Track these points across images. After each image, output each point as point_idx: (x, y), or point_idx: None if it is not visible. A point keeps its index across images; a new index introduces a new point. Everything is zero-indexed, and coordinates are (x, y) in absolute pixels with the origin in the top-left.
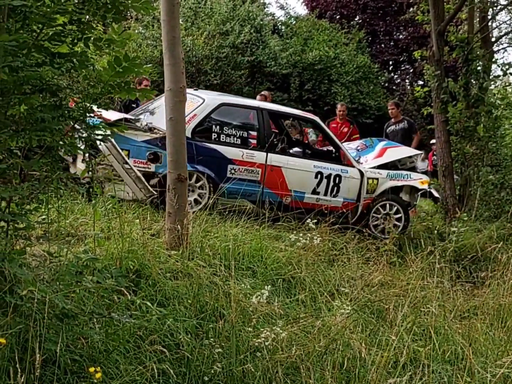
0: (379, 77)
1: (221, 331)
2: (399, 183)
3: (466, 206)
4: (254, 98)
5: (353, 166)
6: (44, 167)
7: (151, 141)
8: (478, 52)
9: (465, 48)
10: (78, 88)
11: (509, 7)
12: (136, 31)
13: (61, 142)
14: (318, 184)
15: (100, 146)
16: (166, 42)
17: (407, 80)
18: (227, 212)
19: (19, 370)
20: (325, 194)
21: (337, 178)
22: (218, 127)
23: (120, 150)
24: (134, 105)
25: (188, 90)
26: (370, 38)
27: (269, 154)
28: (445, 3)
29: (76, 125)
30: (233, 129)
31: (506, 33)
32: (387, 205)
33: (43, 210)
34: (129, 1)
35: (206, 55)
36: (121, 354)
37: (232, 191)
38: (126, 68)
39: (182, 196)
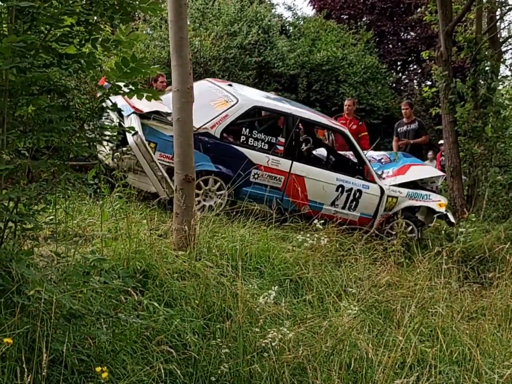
0: (387, 78)
1: (228, 332)
2: (417, 203)
3: (474, 206)
4: None
5: (375, 182)
6: (51, 167)
7: None
8: (486, 53)
9: (473, 48)
10: (86, 89)
11: None
12: (144, 32)
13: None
14: (338, 197)
15: (129, 140)
16: (174, 43)
17: (415, 81)
18: (234, 213)
19: (26, 370)
20: (343, 208)
21: (358, 193)
22: (247, 130)
23: (149, 147)
24: None
25: (223, 85)
26: (377, 39)
27: (294, 162)
28: (453, 4)
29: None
30: (262, 133)
31: None
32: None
33: (50, 210)
34: (137, 2)
35: (213, 56)
36: (128, 354)
37: (252, 195)
38: (133, 68)
39: (189, 197)
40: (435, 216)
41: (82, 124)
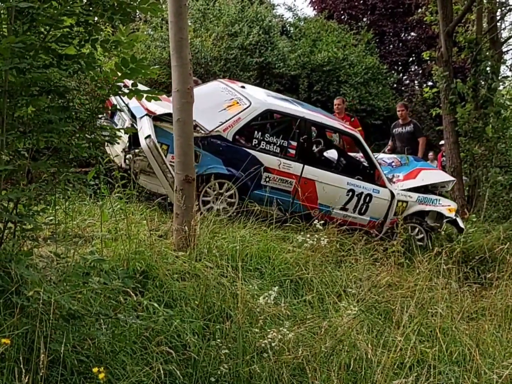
0: (388, 78)
1: (228, 332)
2: (427, 208)
3: (475, 207)
4: None
5: (385, 187)
6: (51, 168)
7: None
8: (486, 53)
9: (474, 49)
10: (86, 90)
11: None
12: (145, 32)
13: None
14: (348, 201)
15: (141, 142)
16: (174, 43)
17: (416, 81)
18: (235, 214)
19: (24, 370)
20: (353, 212)
21: (368, 197)
22: (259, 133)
23: (161, 150)
24: None
25: (235, 86)
26: (378, 39)
27: (305, 166)
28: (453, 4)
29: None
30: (274, 137)
31: None
32: (412, 227)
33: (50, 211)
34: (136, 3)
35: (214, 57)
36: (127, 355)
37: (262, 198)
38: (133, 69)
39: (189, 197)
40: (444, 221)
41: (82, 125)
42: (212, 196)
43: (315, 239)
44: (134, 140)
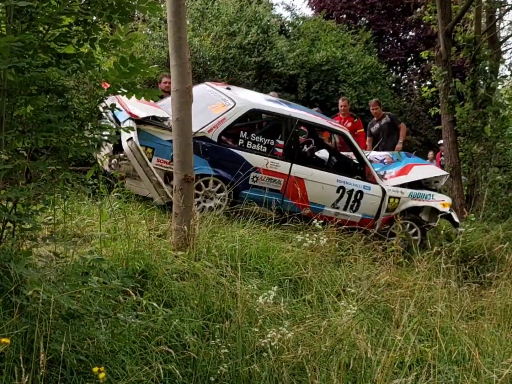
0: (387, 78)
1: (227, 332)
2: (420, 203)
3: (474, 206)
4: None
5: (376, 183)
6: (50, 168)
7: None
8: (485, 52)
9: (472, 48)
10: (84, 89)
11: None
12: (144, 32)
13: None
14: (339, 199)
15: (123, 146)
16: (173, 43)
17: (414, 81)
18: (233, 214)
19: (24, 370)
20: (345, 209)
21: (359, 194)
22: (245, 133)
23: (143, 153)
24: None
25: (221, 88)
26: (377, 39)
27: (293, 165)
28: (452, 3)
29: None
30: (260, 136)
31: None
32: (406, 224)
33: (49, 210)
34: (135, 2)
35: (213, 56)
36: (127, 355)
37: (252, 198)
38: (132, 68)
39: (188, 197)
40: (438, 216)
41: (81, 124)
42: (200, 196)
43: (314, 239)
44: (118, 145)
